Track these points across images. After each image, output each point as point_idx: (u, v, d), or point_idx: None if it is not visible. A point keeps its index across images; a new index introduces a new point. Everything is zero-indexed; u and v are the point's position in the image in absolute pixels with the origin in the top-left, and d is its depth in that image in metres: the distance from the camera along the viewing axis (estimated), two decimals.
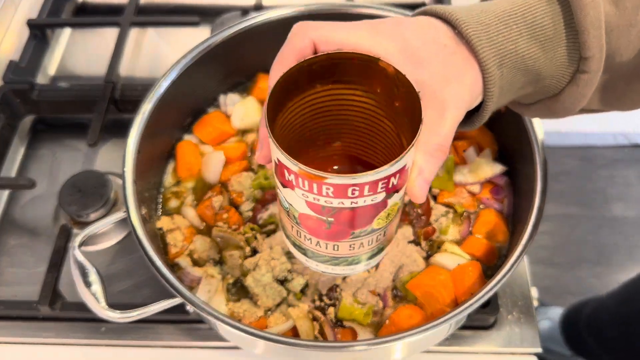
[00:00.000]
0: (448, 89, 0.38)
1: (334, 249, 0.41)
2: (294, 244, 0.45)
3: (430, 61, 0.38)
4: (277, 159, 0.36)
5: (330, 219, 0.38)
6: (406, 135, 0.38)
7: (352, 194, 0.35)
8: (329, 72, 0.39)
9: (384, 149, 0.42)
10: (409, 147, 0.34)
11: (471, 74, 0.39)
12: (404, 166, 0.36)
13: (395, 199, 0.38)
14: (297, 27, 0.41)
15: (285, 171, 0.36)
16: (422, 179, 0.38)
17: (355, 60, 0.38)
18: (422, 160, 0.38)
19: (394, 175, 0.35)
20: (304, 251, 0.44)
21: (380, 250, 0.44)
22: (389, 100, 0.39)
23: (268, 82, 0.40)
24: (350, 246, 0.41)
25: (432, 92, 0.38)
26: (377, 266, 0.62)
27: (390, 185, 0.36)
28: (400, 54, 0.38)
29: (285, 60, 0.40)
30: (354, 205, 0.36)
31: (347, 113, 0.42)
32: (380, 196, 0.36)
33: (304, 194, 0.36)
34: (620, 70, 0.43)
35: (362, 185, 0.34)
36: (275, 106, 0.38)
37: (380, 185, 0.35)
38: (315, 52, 0.40)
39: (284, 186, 0.38)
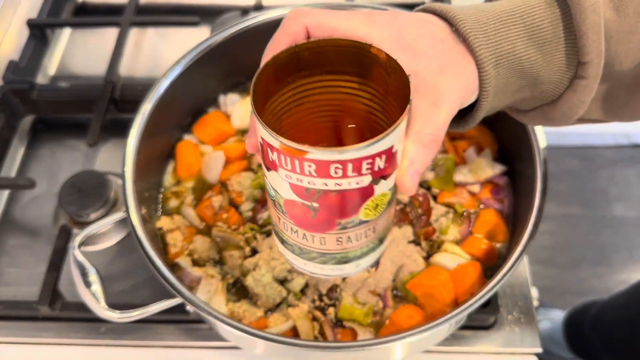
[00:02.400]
0: (444, 80, 0.38)
1: (321, 243, 0.40)
2: (282, 240, 0.44)
3: (426, 53, 0.38)
4: (261, 138, 0.35)
5: (315, 204, 0.37)
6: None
7: (336, 173, 0.34)
8: (320, 59, 0.38)
9: None
10: (395, 125, 0.34)
11: (468, 69, 0.38)
12: (391, 148, 0.35)
13: (383, 187, 0.37)
14: (292, 12, 0.40)
15: (269, 149, 0.35)
16: (413, 169, 0.37)
17: (346, 46, 0.37)
18: (413, 150, 0.37)
19: (379, 155, 0.34)
20: (291, 247, 0.43)
21: (371, 250, 0.43)
22: (381, 88, 0.39)
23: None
24: (337, 240, 0.40)
25: (427, 83, 0.37)
26: (377, 266, 0.62)
27: (375, 168, 0.35)
28: (394, 43, 0.38)
29: (277, 45, 0.39)
30: (338, 187, 0.35)
31: (340, 103, 0.41)
32: (366, 179, 0.35)
33: (287, 174, 0.35)
34: (620, 79, 0.43)
35: (345, 163, 0.34)
36: (264, 89, 0.37)
37: (364, 165, 0.34)
38: (309, 38, 0.40)
39: (269, 169, 0.37)
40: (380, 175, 0.36)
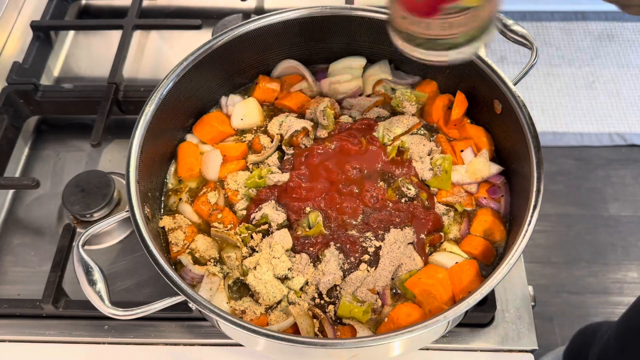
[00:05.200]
0: None
1: (426, 29, 0.48)
2: (395, 29, 0.52)
3: None
4: None
5: None
6: None
7: None
8: None
9: None
10: None
11: None
12: None
13: None
14: None
15: None
16: None
17: None
18: None
19: None
20: (401, 34, 0.51)
21: (474, 38, 0.49)
22: None
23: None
24: (441, 25, 0.47)
25: None
26: (376, 265, 0.63)
27: None
28: None
29: None
30: None
31: None
32: None
33: None
34: None
35: None
36: None
37: None
38: None
39: None
40: None
